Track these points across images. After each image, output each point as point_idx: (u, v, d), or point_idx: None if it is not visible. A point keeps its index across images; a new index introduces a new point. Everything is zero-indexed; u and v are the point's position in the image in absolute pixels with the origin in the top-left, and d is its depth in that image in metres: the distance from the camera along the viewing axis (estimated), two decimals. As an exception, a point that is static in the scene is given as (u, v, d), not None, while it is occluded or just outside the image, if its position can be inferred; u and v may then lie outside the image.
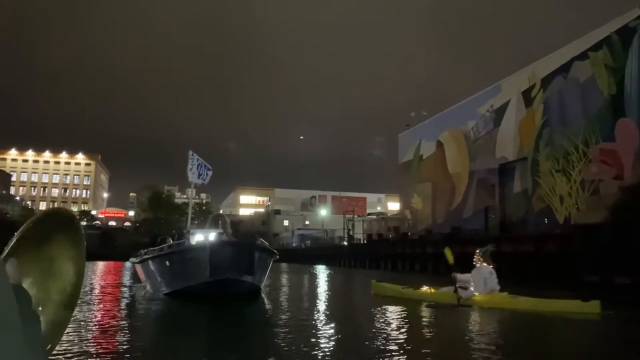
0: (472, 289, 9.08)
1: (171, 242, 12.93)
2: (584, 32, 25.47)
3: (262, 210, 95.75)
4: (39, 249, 0.82)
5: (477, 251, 9.55)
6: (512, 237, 23.54)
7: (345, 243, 50.82)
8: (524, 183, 28.90)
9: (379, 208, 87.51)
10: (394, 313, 8.48)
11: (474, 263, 9.37)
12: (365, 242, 46.23)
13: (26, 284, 0.78)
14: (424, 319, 8.24)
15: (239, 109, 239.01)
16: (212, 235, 12.35)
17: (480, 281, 9.00)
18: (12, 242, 0.79)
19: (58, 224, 0.85)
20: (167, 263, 10.81)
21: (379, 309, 8.73)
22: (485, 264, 9.22)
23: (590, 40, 24.46)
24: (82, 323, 7.11)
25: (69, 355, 4.69)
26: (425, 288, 10.15)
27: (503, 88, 32.05)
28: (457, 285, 9.14)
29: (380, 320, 7.80)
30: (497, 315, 8.06)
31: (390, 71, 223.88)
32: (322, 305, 10.64)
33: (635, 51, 21.76)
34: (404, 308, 8.85)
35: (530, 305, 8.37)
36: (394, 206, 77.14)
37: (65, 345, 5.19)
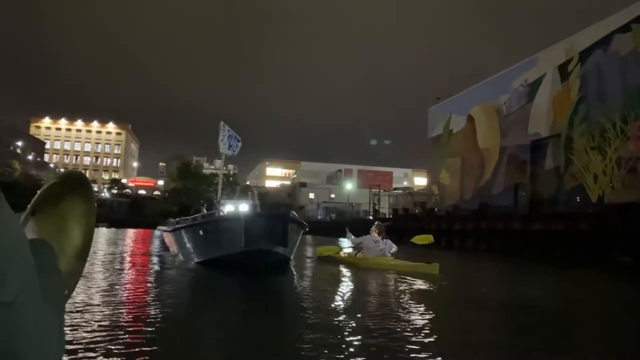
0: (361, 243, 11.99)
1: (205, 212, 13.09)
2: (624, 4, 24.30)
3: (288, 182, 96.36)
4: (53, 207, 0.92)
5: (376, 223, 12.26)
6: (542, 215, 23.16)
7: (371, 217, 50.83)
8: (556, 160, 28.23)
9: (405, 183, 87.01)
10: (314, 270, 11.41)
11: (370, 232, 11.87)
12: (391, 216, 46.18)
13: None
14: (339, 274, 10.66)
15: (271, 82, 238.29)
16: (242, 206, 12.50)
17: (366, 246, 11.74)
18: (31, 204, 0.87)
19: (69, 183, 0.94)
20: (201, 232, 11.01)
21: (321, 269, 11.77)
22: (375, 234, 11.71)
23: (634, 12, 23.37)
24: (116, 288, 7.36)
25: (101, 319, 4.88)
26: (342, 252, 13.31)
27: (539, 61, 31.03)
28: (357, 250, 12.17)
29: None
30: (378, 272, 10.53)
31: (422, 41, 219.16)
32: (342, 275, 10.78)
33: (682, 24, 20.75)
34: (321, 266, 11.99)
35: (401, 266, 10.81)
36: (420, 181, 76.58)
37: (98, 309, 5.38)
